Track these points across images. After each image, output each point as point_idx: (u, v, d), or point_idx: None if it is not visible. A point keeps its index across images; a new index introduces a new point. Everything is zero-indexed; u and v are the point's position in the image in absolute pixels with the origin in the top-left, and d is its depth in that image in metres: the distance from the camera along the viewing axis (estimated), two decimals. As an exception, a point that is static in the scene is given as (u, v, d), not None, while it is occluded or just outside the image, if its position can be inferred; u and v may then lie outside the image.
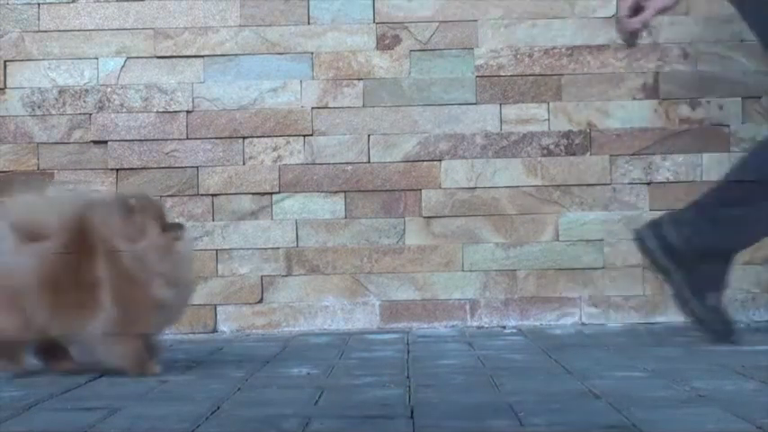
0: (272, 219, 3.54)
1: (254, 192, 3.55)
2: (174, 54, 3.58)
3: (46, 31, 3.58)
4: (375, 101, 3.55)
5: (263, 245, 3.51)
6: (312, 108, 3.56)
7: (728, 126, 3.51)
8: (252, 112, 3.57)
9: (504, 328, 3.49)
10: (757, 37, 2.90)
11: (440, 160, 3.55)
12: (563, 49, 3.54)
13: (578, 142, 3.52)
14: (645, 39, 3.11)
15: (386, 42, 3.56)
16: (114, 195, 2.66)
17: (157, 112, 3.57)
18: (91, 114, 3.57)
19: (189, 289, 2.60)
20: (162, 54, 3.58)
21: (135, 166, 3.56)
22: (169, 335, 3.49)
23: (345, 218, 3.53)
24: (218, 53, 3.57)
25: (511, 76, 3.56)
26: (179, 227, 2.48)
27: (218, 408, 2.00)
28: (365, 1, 3.57)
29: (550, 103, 3.55)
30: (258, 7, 3.58)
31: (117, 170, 3.56)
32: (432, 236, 3.52)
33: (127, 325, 2.41)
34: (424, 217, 3.53)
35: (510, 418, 1.83)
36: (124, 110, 3.57)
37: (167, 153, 3.56)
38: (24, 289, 2.42)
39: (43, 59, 3.58)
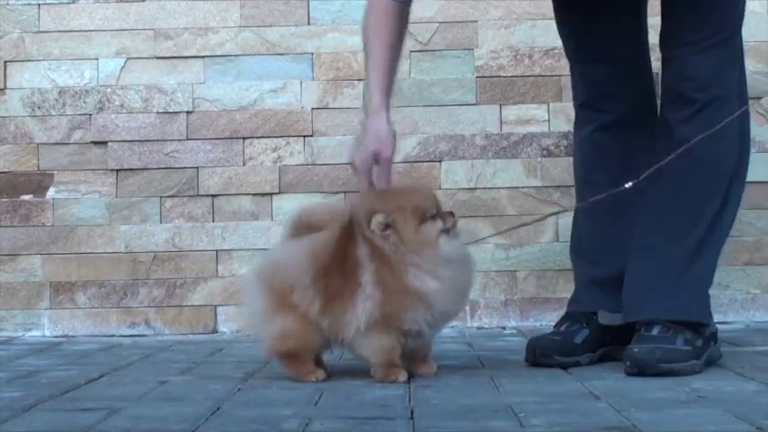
0: (272, 219, 3.54)
1: (254, 192, 3.55)
2: (175, 55, 3.58)
3: (46, 32, 3.58)
4: (375, 101, 3.54)
5: (263, 245, 3.50)
6: (312, 109, 3.56)
7: (728, 127, 3.50)
8: (252, 112, 3.57)
9: (504, 328, 3.49)
10: None
11: (440, 161, 3.55)
12: (563, 50, 3.53)
13: (578, 143, 3.52)
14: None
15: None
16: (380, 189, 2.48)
17: (157, 112, 3.57)
18: (91, 115, 3.57)
19: (458, 284, 2.34)
20: (162, 55, 3.58)
21: (135, 167, 3.56)
22: (169, 335, 3.50)
23: (345, 218, 3.53)
24: (219, 54, 3.58)
25: (511, 76, 3.56)
26: (449, 218, 2.31)
27: (219, 408, 2.00)
28: (365, 1, 3.56)
29: (550, 104, 3.55)
30: (258, 8, 3.58)
31: (117, 171, 3.56)
32: (432, 236, 3.52)
33: (387, 313, 2.26)
34: (424, 218, 3.52)
35: (510, 419, 1.83)
36: (124, 110, 3.57)
37: (167, 153, 3.57)
38: (298, 285, 2.30)
39: (43, 60, 3.58)
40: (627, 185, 2.38)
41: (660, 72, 2.56)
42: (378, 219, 2.28)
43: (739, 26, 2.52)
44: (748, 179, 3.46)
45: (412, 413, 1.90)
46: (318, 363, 2.42)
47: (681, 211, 2.47)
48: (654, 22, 2.59)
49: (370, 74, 2.49)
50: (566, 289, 3.49)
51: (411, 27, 3.55)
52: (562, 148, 3.52)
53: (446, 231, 2.30)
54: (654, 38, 2.59)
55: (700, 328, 2.44)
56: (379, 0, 2.52)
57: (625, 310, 2.50)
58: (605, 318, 2.58)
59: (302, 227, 2.37)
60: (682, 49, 2.47)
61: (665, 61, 2.52)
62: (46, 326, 3.53)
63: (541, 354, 2.52)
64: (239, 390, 2.24)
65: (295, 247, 2.35)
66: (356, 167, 2.42)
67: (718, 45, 2.46)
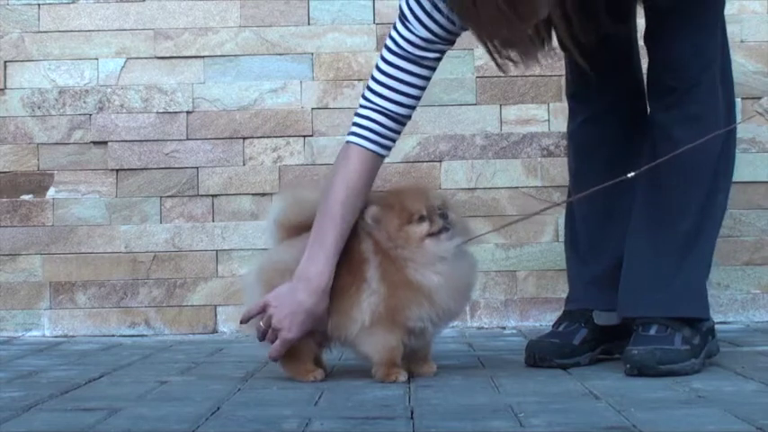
0: (272, 219, 3.54)
1: (254, 192, 3.55)
2: (174, 55, 3.58)
3: (46, 32, 3.58)
4: (375, 101, 3.54)
5: (263, 245, 3.50)
6: (312, 109, 3.56)
7: (728, 127, 3.50)
8: (252, 112, 3.57)
9: (504, 328, 3.49)
10: None
11: (440, 161, 3.55)
12: (563, 50, 3.53)
13: (578, 143, 3.52)
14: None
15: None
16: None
17: (157, 112, 3.57)
18: (91, 115, 3.57)
19: (459, 281, 2.33)
20: (162, 55, 3.58)
21: (135, 167, 3.56)
22: (169, 335, 3.50)
23: (345, 218, 3.53)
24: (219, 54, 3.58)
25: (511, 76, 3.56)
26: (437, 221, 2.30)
27: (218, 408, 2.00)
28: (365, 1, 3.57)
29: (550, 104, 3.55)
30: (258, 8, 3.58)
31: (117, 171, 3.56)
32: (432, 236, 3.52)
33: (392, 308, 2.27)
34: (424, 217, 3.52)
35: (510, 419, 1.83)
36: (124, 110, 3.57)
37: (167, 154, 3.57)
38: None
39: (43, 60, 3.58)
40: (629, 175, 2.37)
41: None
42: (371, 210, 2.31)
43: (720, 14, 2.51)
44: (748, 179, 3.49)
45: (412, 413, 1.90)
46: (318, 362, 2.42)
47: (669, 201, 2.47)
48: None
49: (324, 235, 2.30)
50: (566, 289, 3.48)
51: (411, 27, 3.56)
52: (562, 148, 3.51)
53: (432, 235, 2.30)
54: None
55: (697, 323, 2.44)
56: (356, 148, 2.37)
57: (619, 306, 2.50)
58: (601, 318, 2.58)
59: (289, 229, 2.38)
60: (660, 38, 2.47)
61: (647, 51, 2.53)
62: (46, 326, 3.53)
63: (541, 357, 2.52)
64: (239, 390, 2.24)
65: (298, 244, 2.35)
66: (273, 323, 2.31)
67: (698, 34, 2.45)
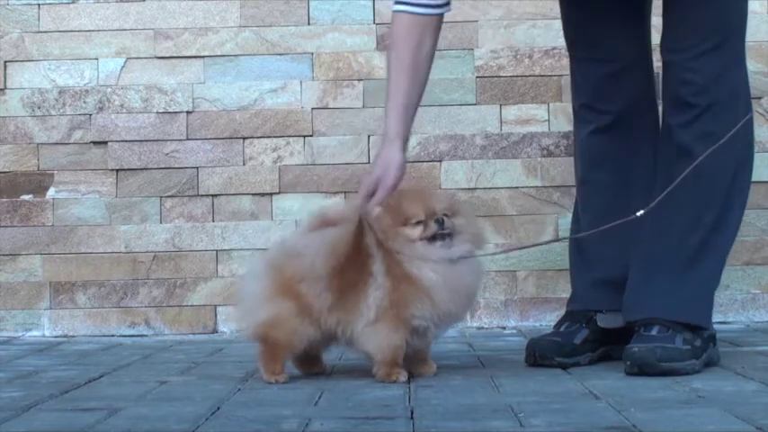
0: (272, 219, 3.54)
1: (253, 192, 3.55)
2: (174, 55, 3.58)
3: (46, 32, 3.58)
4: (375, 101, 3.54)
5: (263, 245, 3.50)
6: (312, 109, 3.56)
7: (728, 127, 3.50)
8: (252, 112, 3.57)
9: (504, 328, 3.49)
10: None
11: (440, 161, 3.55)
12: (563, 50, 3.53)
13: (578, 143, 3.52)
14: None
15: (386, 43, 3.56)
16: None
17: (157, 112, 3.57)
18: (91, 115, 3.57)
19: (458, 282, 2.33)
20: (162, 55, 3.58)
21: (135, 167, 3.56)
22: (169, 335, 3.50)
23: (345, 218, 3.53)
24: (219, 54, 3.58)
25: (511, 76, 3.56)
26: (430, 227, 2.31)
27: (218, 408, 2.00)
28: (365, 1, 3.57)
29: (550, 104, 3.55)
30: (258, 8, 3.58)
31: (117, 171, 3.56)
32: (432, 236, 3.51)
33: (395, 302, 2.28)
34: (424, 217, 3.52)
35: (510, 419, 1.83)
36: (124, 110, 3.57)
37: (167, 153, 3.57)
38: (310, 275, 2.30)
39: (43, 60, 3.58)
40: (638, 214, 2.37)
41: (661, 74, 2.56)
42: (376, 212, 2.35)
43: (741, 29, 2.51)
44: (748, 179, 3.47)
45: (412, 413, 1.90)
46: (318, 361, 2.43)
47: (681, 214, 2.47)
48: (656, 22, 2.59)
49: (389, 99, 2.50)
50: (566, 289, 3.48)
51: (411, 27, 3.56)
52: (562, 148, 3.51)
53: (425, 239, 2.30)
54: (656, 39, 2.59)
55: (698, 329, 2.44)
56: (401, 14, 2.49)
57: (624, 309, 2.50)
58: (604, 320, 2.58)
59: (322, 223, 2.38)
60: (681, 54, 2.47)
61: (665, 65, 2.52)
62: (46, 326, 3.53)
63: (541, 355, 2.52)
64: (239, 390, 2.25)
65: (314, 237, 2.34)
66: (361, 189, 2.47)
67: (718, 49, 2.45)
